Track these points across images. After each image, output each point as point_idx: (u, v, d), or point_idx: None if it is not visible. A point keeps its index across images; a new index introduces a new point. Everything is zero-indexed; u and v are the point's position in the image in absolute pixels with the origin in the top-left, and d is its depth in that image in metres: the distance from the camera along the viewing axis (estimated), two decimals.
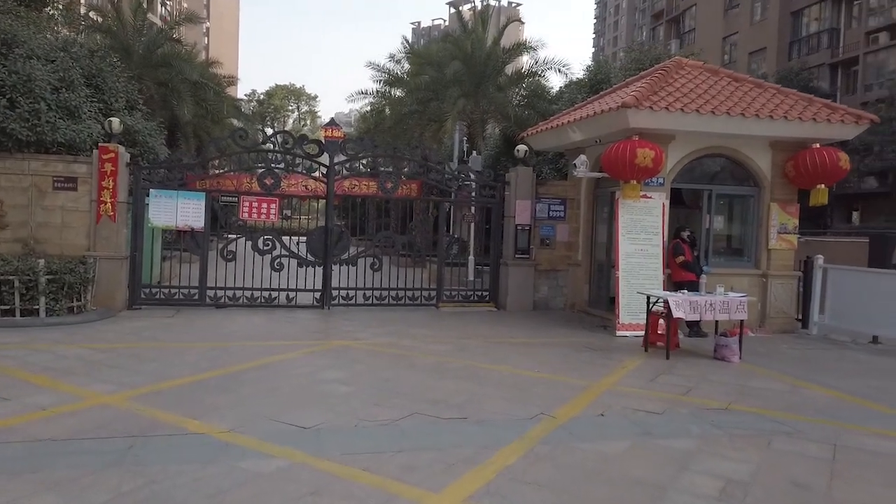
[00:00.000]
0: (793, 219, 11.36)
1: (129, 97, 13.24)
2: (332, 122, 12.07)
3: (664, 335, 9.24)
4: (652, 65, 16.01)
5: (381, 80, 21.23)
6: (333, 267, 12.27)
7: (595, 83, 16.79)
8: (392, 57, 21.61)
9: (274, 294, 12.06)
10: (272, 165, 11.94)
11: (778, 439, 5.30)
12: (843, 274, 10.80)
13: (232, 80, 31.61)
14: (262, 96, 59.17)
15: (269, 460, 4.49)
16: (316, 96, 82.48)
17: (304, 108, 61.12)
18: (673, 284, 10.65)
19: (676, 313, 8.50)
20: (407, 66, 21.17)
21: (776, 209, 11.29)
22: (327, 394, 6.29)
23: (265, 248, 11.89)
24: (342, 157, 12.23)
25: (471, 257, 16.77)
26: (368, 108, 25.53)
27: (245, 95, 56.79)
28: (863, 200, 31.69)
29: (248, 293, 11.98)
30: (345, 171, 12.27)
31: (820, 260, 11.16)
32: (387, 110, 23.02)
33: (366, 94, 22.89)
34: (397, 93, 21.52)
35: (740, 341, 8.66)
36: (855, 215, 32.98)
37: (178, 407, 5.61)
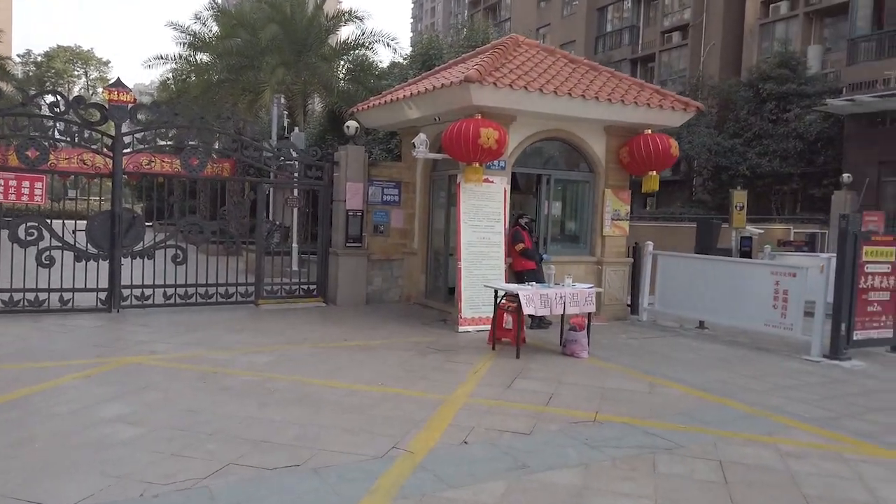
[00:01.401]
0: (625, 205, 11.34)
1: None
2: (119, 83, 9.80)
3: (510, 330, 8.58)
4: (483, 44, 15.47)
5: (184, 43, 18.52)
6: (125, 260, 10.11)
7: (427, 59, 15.89)
8: (198, 17, 18.92)
9: (42, 296, 9.65)
10: (36, 134, 9.46)
11: (661, 459, 4.68)
12: (671, 260, 10.96)
13: None
14: (39, 58, 50.90)
15: None
16: (108, 61, 73.14)
17: (94, 75, 53.55)
18: (514, 274, 10.10)
19: (527, 309, 7.83)
20: (216, 27, 18.63)
21: (610, 195, 11.18)
22: (104, 442, 4.64)
23: (29, 238, 9.45)
24: (135, 128, 10.07)
25: (294, 245, 15.18)
26: (171, 75, 22.43)
27: (18, 56, 48.59)
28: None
29: (4, 296, 9.46)
30: (137, 144, 10.12)
31: (650, 246, 11.25)
32: (192, 78, 20.30)
33: (166, 58, 19.92)
34: (204, 58, 18.93)
35: (588, 335, 8.23)
36: (650, 201, 35.91)
37: None
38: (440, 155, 10.33)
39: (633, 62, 37.96)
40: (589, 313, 8.35)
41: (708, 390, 6.69)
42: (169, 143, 10.67)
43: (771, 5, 30.09)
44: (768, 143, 23.59)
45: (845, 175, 19.10)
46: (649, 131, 10.72)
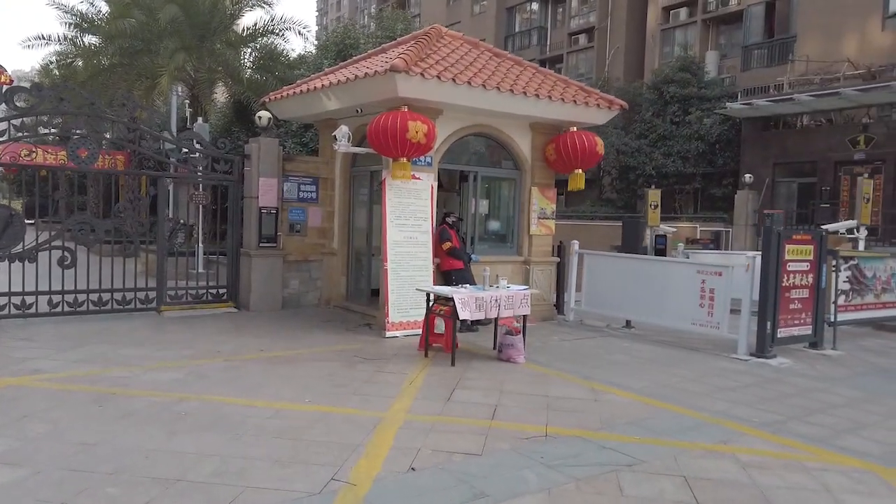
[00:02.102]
0: (551, 204, 11.15)
1: None
2: None
3: (442, 336, 8.13)
4: (401, 35, 14.91)
5: (70, 24, 16.73)
6: (1, 264, 8.85)
7: (343, 48, 15.13)
8: None
9: None
10: None
11: (625, 478, 4.36)
12: (597, 259, 10.87)
13: None
14: None
15: None
16: None
17: None
18: (441, 274, 9.66)
19: (463, 314, 7.38)
20: (105, 7, 16.92)
21: (536, 193, 10.95)
22: None
23: None
24: (13, 113, 8.81)
25: (199, 245, 14.07)
26: (54, 59, 20.36)
27: None
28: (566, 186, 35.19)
29: None
30: (14, 132, 8.86)
31: (576, 245, 11.12)
32: (79, 63, 18.47)
33: (49, 39, 18.00)
34: (93, 40, 17.17)
35: (524, 339, 7.91)
36: (561, 199, 36.62)
37: None
38: (363, 149, 9.72)
39: (542, 63, 38.47)
40: (524, 316, 8.03)
41: (651, 395, 6.50)
42: (53, 131, 9.39)
43: (671, 11, 31.29)
44: (672, 144, 24.45)
45: (747, 175, 20.00)
46: (575, 129, 10.57)
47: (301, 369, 7.04)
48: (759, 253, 8.65)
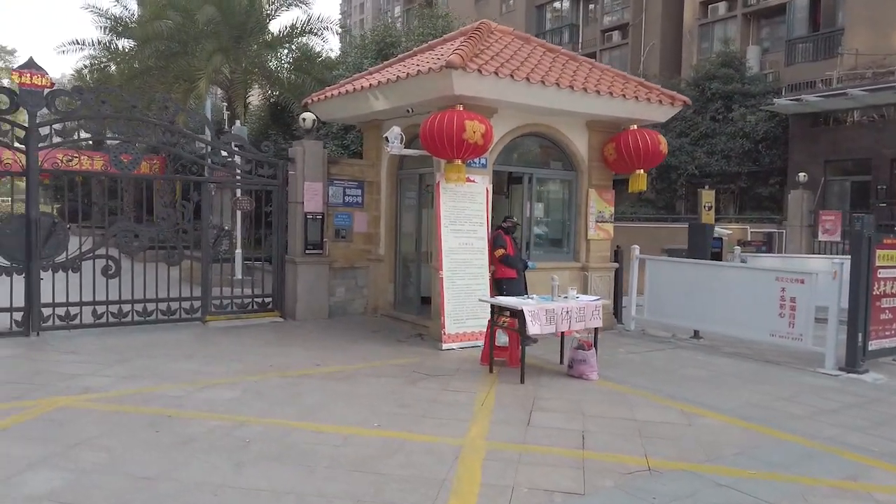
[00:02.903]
0: (609, 206, 10.58)
1: None
2: (32, 64, 8.22)
3: (506, 349, 7.64)
4: (443, 33, 14.45)
5: (104, 27, 16.52)
6: (44, 274, 8.54)
7: (383, 47, 14.69)
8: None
9: None
10: None
11: None
12: (661, 265, 10.27)
13: None
14: None
15: None
16: (13, 50, 67.50)
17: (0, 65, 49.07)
18: (493, 283, 9.13)
19: (533, 328, 6.86)
20: (136, 8, 16.60)
21: (594, 195, 10.40)
22: None
23: None
24: (55, 117, 8.50)
25: (238, 251, 13.77)
26: (88, 63, 20.24)
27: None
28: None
29: None
30: (56, 137, 8.54)
31: (636, 250, 10.54)
32: (112, 67, 18.29)
33: (83, 44, 17.84)
34: (127, 44, 16.94)
35: (596, 353, 7.36)
36: None
37: None
38: (415, 151, 9.25)
39: None
40: (595, 328, 7.49)
41: (747, 418, 5.91)
42: (97, 136, 9.06)
43: (709, 6, 30.39)
44: (715, 142, 23.63)
45: (801, 174, 19.15)
46: (635, 126, 10.00)
47: (361, 387, 6.58)
48: (844, 259, 8.00)
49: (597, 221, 10.42)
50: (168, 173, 13.09)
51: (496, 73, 8.33)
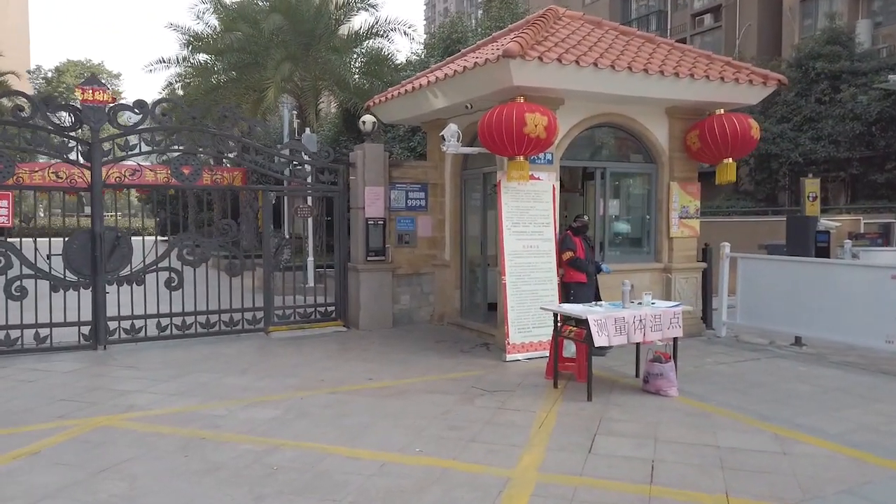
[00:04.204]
0: (694, 200, 9.61)
1: None
2: (94, 80, 8.34)
3: (573, 361, 6.94)
4: (515, 21, 13.78)
5: (183, 44, 17.05)
6: (109, 287, 8.63)
7: (450, 44, 14.22)
8: (198, 14, 17.27)
9: (15, 333, 8.21)
10: None
11: None
12: (755, 264, 9.18)
13: None
14: (49, 73, 50.12)
15: None
16: (119, 74, 72.46)
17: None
18: (562, 288, 8.41)
19: (599, 339, 6.13)
20: (215, 22, 17.05)
21: (677, 189, 9.46)
22: None
23: None
24: (117, 132, 8.59)
25: (310, 259, 13.70)
26: (176, 81, 21.02)
27: (28, 72, 47.82)
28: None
29: None
30: (118, 151, 8.63)
31: (726, 248, 9.50)
32: (197, 81, 18.85)
33: (168, 62, 18.52)
34: (204, 58, 17.40)
35: (676, 366, 6.53)
36: None
37: None
38: (474, 149, 8.70)
39: None
40: (674, 338, 6.65)
41: (858, 445, 4.96)
42: (159, 149, 9.08)
43: None
44: (821, 126, 21.59)
45: None
46: (722, 111, 8.99)
47: (412, 404, 6.10)
48: None
49: (680, 217, 9.48)
50: (246, 183, 13.18)
51: (559, 60, 7.64)
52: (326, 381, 6.95)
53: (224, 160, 9.95)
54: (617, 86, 8.22)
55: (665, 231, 9.44)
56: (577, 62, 7.74)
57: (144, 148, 8.79)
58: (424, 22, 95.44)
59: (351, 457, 4.79)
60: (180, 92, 20.87)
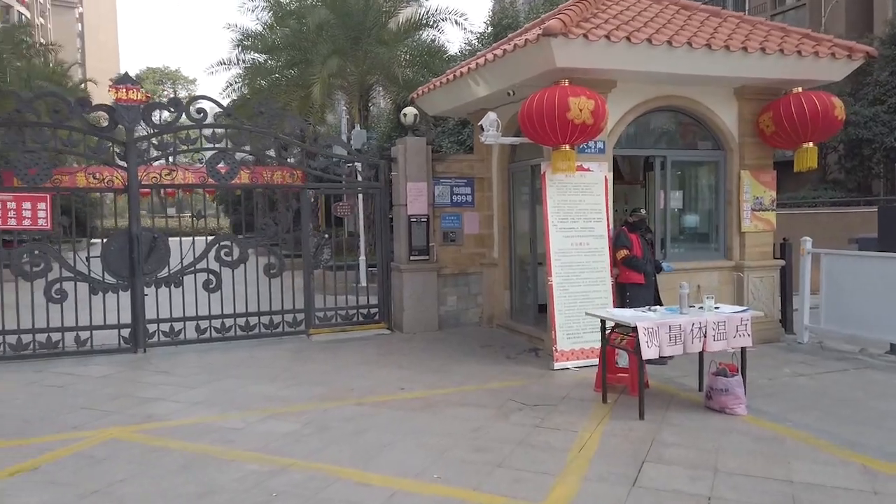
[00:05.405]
0: (769, 191, 8.60)
1: None
2: (126, 78, 8.22)
3: (625, 372, 6.22)
4: None
5: (237, 44, 17.06)
6: (149, 290, 8.50)
7: (500, 30, 13.56)
8: (252, 11, 17.17)
9: (56, 336, 8.18)
10: (36, 146, 7.97)
11: None
12: (842, 261, 8.11)
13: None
14: None
15: None
16: (195, 79, 75.24)
17: (182, 93, 54.78)
18: (617, 288, 7.64)
19: (649, 352, 5.38)
20: (267, 17, 16.91)
21: (748, 178, 8.49)
22: None
23: (34, 269, 8.00)
24: (152, 131, 8.45)
25: (362, 258, 13.37)
26: (235, 82, 21.19)
27: (109, 81, 50.17)
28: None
29: (11, 338, 8.05)
30: (154, 151, 8.48)
31: (808, 243, 8.46)
32: (255, 81, 18.91)
33: (227, 64, 18.66)
34: (257, 56, 17.36)
35: (745, 380, 5.70)
36: None
37: None
38: (516, 139, 8.07)
39: None
40: (742, 348, 5.81)
41: None
42: (195, 149, 8.88)
43: None
44: None
45: None
46: (800, 89, 7.98)
47: (441, 420, 5.55)
48: None
49: (753, 210, 8.50)
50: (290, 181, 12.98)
51: (608, 38, 6.89)
52: (356, 391, 6.50)
53: (270, 160, 9.69)
54: (676, 64, 7.37)
55: (736, 225, 8.49)
56: (628, 38, 6.96)
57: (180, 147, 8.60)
58: (490, 13, 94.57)
59: (361, 482, 4.29)
60: (243, 91, 21.03)
